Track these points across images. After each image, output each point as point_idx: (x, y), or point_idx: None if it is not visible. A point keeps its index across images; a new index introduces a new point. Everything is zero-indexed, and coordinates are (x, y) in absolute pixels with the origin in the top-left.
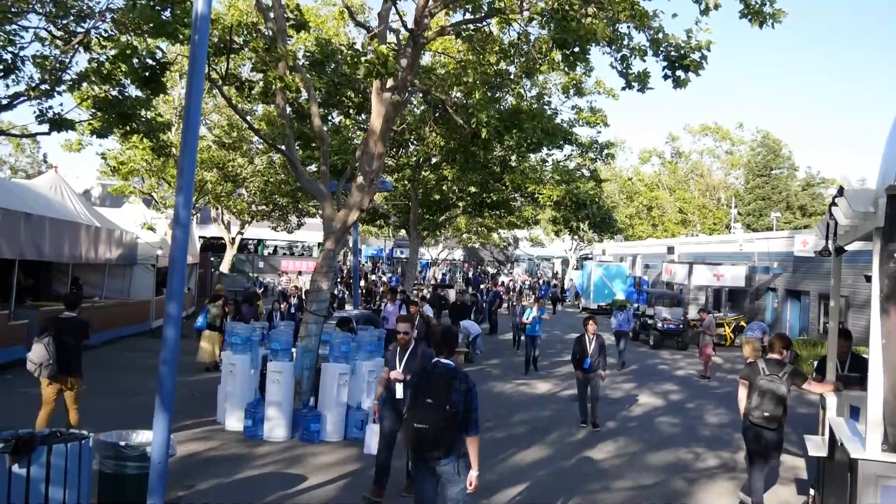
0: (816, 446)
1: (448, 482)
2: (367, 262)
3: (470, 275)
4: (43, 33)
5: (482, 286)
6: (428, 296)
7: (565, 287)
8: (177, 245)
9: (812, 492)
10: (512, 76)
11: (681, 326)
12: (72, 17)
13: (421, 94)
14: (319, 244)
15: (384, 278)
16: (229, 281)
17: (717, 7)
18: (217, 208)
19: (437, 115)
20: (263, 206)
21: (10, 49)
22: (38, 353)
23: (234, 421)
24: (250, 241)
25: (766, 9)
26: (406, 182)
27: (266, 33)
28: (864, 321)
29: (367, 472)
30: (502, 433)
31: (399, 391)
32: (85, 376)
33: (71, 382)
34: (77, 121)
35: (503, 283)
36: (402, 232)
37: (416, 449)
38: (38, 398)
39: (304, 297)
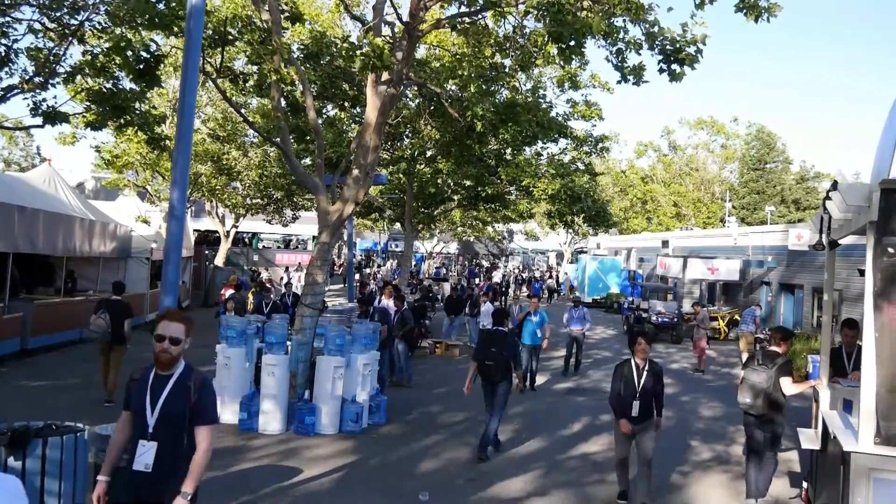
0: (809, 439)
1: (499, 395)
2: (361, 255)
3: (465, 268)
4: (36, 25)
5: (476, 280)
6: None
7: (560, 280)
8: (172, 238)
9: (805, 485)
10: (507, 69)
11: (675, 320)
12: (65, 10)
13: (416, 88)
14: (314, 237)
15: (382, 271)
16: (224, 274)
17: (712, 1)
18: (211, 201)
19: (432, 108)
20: (258, 200)
21: (3, 41)
22: (98, 325)
23: (229, 414)
24: (245, 235)
25: (761, 3)
26: (401, 175)
27: (261, 26)
28: (857, 315)
29: (363, 465)
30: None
31: (147, 457)
32: (127, 346)
33: (116, 349)
34: (71, 114)
35: (490, 276)
36: (397, 225)
37: (486, 376)
38: (33, 391)
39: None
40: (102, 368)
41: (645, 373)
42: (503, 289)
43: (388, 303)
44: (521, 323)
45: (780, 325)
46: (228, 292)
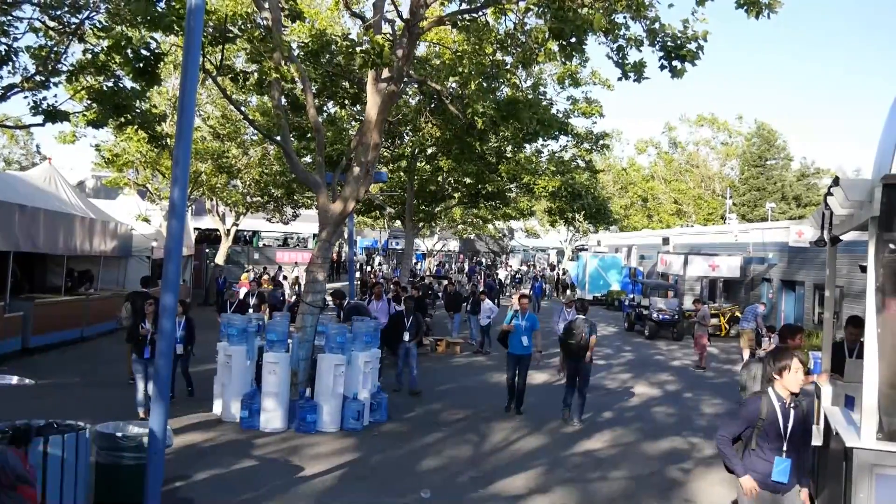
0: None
1: (583, 369)
2: (362, 254)
3: (465, 266)
4: (37, 24)
5: (477, 276)
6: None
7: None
8: (173, 236)
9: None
10: (508, 66)
11: (676, 317)
12: (66, 8)
13: (416, 85)
14: (315, 235)
15: (384, 269)
16: (222, 272)
17: None
18: (212, 200)
19: (432, 105)
20: (258, 198)
21: (4, 40)
22: (128, 313)
23: (230, 412)
24: (245, 233)
25: None
26: (401, 173)
27: (261, 23)
28: (859, 311)
29: (365, 463)
30: (500, 423)
31: None
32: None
33: None
34: (71, 112)
35: (492, 274)
36: (398, 223)
37: (570, 353)
38: (34, 390)
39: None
40: (128, 353)
41: (793, 412)
42: (499, 286)
43: (379, 304)
44: (505, 335)
45: (786, 324)
46: (243, 290)
